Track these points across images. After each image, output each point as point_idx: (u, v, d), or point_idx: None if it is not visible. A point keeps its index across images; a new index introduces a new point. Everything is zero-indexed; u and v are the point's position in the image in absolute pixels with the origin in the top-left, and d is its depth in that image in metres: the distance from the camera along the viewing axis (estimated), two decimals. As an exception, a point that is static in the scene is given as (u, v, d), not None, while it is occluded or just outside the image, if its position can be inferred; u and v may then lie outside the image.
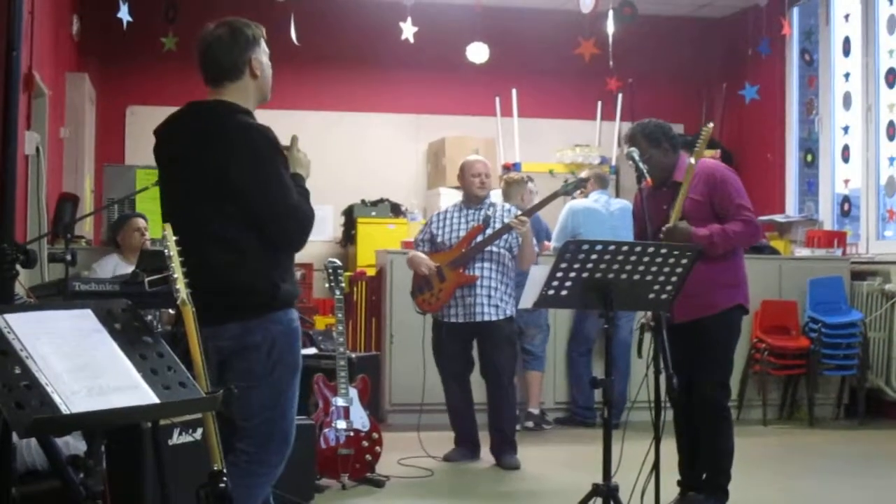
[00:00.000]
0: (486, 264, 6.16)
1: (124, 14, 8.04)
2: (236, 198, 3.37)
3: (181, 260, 3.08)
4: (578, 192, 6.58)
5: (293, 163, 3.51)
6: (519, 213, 6.23)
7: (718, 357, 4.87)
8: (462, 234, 6.24)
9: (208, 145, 3.41)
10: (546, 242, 7.49)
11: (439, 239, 6.31)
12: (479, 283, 6.12)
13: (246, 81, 3.50)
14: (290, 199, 3.37)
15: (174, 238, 3.08)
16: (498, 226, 6.16)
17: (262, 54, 3.54)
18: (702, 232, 4.63)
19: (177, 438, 4.04)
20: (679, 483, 4.91)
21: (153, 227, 6.55)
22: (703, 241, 4.57)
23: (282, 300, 3.43)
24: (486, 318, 6.13)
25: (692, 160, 4.57)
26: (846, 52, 9.16)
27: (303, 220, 3.41)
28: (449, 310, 6.20)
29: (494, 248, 6.16)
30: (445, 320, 6.24)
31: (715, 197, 4.73)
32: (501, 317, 6.17)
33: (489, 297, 6.13)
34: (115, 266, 6.32)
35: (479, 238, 6.17)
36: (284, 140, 3.52)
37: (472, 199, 6.36)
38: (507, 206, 6.51)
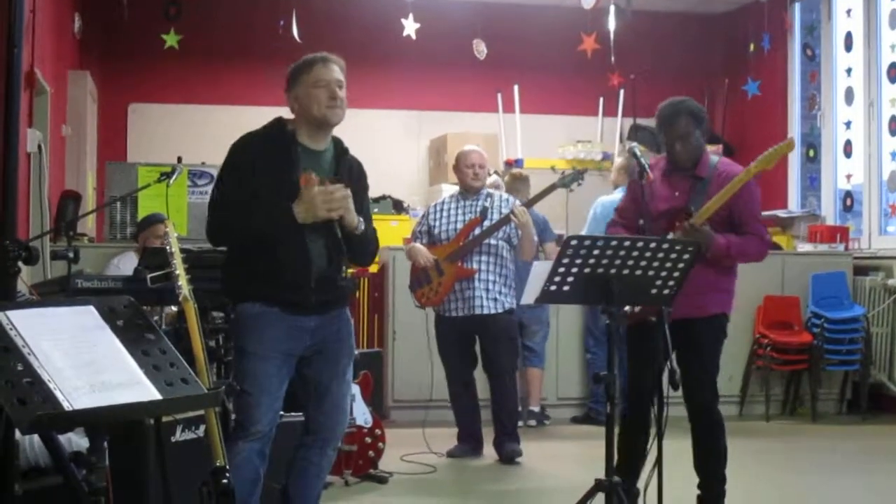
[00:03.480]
0: (484, 257, 6.15)
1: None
2: None
3: (183, 256, 3.10)
4: (576, 184, 6.54)
5: (299, 198, 3.72)
6: (518, 203, 6.22)
7: (709, 361, 4.71)
8: (459, 226, 6.22)
9: None
10: (548, 244, 7.35)
11: (436, 231, 6.30)
12: (477, 276, 6.12)
13: (295, 114, 3.86)
14: (212, 203, 3.84)
15: (176, 235, 3.09)
16: (496, 217, 6.15)
17: (301, 87, 3.81)
18: (721, 242, 4.46)
19: (179, 435, 4.05)
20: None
21: (178, 225, 6.57)
22: (720, 251, 4.46)
23: (236, 294, 3.86)
24: (486, 311, 6.13)
25: (752, 167, 4.35)
26: (848, 47, 9.15)
27: (211, 226, 3.82)
28: (449, 304, 6.20)
29: (492, 241, 6.15)
30: (446, 314, 6.24)
31: (738, 204, 4.51)
32: (500, 310, 6.16)
33: (487, 290, 6.13)
34: (134, 264, 6.34)
35: (477, 230, 6.16)
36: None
37: (469, 190, 6.34)
38: (504, 195, 6.47)
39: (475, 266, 6.13)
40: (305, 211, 3.68)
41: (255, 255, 3.75)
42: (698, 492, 4.65)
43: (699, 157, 4.60)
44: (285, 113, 3.89)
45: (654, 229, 4.34)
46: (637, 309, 4.43)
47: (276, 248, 3.73)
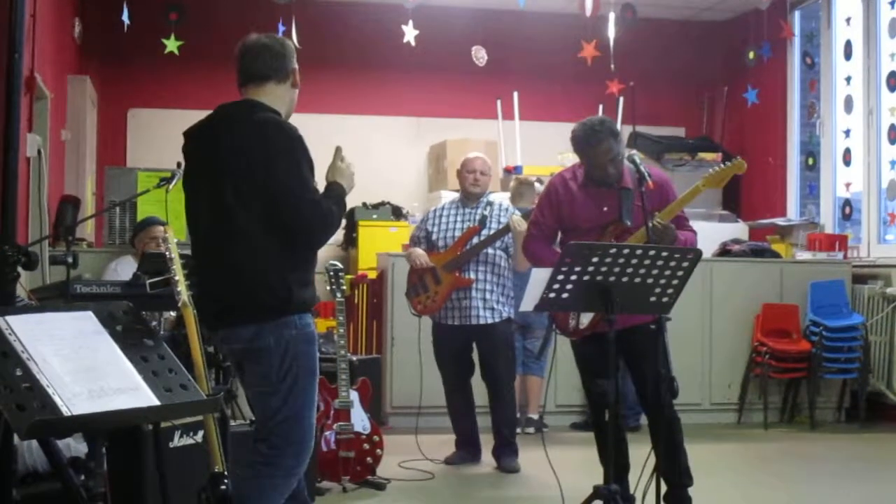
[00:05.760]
0: (482, 267, 6.14)
1: (125, 16, 8.05)
2: (259, 194, 3.42)
3: (183, 262, 3.09)
4: None
5: (334, 172, 3.61)
6: (517, 213, 6.21)
7: (664, 361, 4.72)
8: (458, 234, 6.22)
9: (234, 142, 3.51)
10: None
11: (434, 237, 6.30)
12: (474, 285, 6.11)
13: (286, 88, 3.69)
14: (308, 194, 3.41)
15: (175, 240, 3.09)
16: (495, 226, 6.15)
17: (298, 75, 3.73)
18: (681, 238, 4.59)
19: (178, 441, 4.04)
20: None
21: (177, 230, 6.57)
22: (680, 246, 4.57)
23: (296, 304, 3.46)
24: (483, 321, 6.13)
25: (700, 185, 4.50)
26: (848, 55, 9.15)
27: (325, 217, 3.44)
28: (445, 312, 6.20)
29: (490, 250, 6.14)
30: (442, 322, 6.24)
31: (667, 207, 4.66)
32: (498, 319, 6.16)
33: (484, 300, 6.12)
34: (132, 268, 6.35)
35: (475, 240, 6.15)
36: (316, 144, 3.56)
37: (469, 197, 6.35)
38: (504, 204, 6.47)
39: (472, 275, 6.12)
40: (348, 182, 3.62)
41: (312, 255, 3.56)
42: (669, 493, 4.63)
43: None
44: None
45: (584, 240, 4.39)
46: (585, 323, 4.50)
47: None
